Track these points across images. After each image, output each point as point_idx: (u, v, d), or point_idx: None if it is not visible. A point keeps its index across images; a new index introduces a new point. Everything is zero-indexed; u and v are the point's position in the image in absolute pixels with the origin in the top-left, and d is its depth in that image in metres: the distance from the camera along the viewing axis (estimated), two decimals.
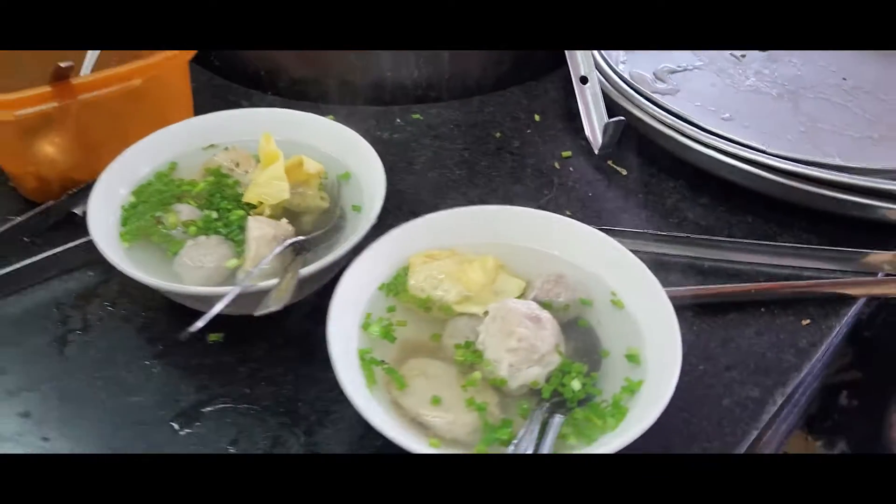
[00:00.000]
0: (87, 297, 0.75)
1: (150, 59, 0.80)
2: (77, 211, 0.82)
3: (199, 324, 0.59)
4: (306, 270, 0.65)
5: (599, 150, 0.92)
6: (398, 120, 1.00)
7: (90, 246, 0.77)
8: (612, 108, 0.96)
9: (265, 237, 0.69)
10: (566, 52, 0.94)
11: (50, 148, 0.80)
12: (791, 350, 0.72)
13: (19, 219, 0.79)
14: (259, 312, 0.60)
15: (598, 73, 0.98)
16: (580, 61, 0.93)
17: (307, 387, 0.68)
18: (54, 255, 0.76)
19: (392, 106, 1.03)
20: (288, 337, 0.72)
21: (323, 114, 1.00)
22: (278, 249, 0.68)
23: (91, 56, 0.86)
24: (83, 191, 0.82)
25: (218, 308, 0.60)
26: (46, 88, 0.75)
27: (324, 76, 1.04)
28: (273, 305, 0.60)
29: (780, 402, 0.68)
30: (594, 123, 0.92)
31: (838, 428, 1.44)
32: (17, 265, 0.74)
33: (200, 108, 0.91)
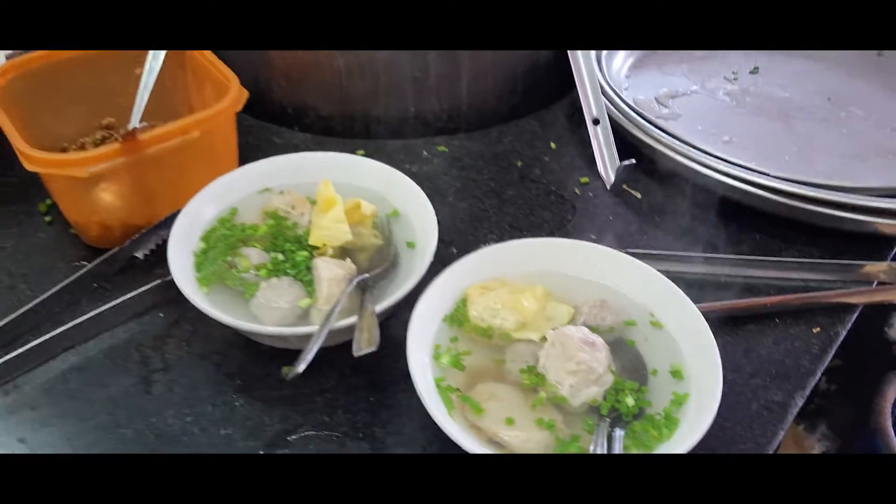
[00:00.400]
0: (163, 338, 0.81)
1: (206, 112, 0.85)
2: (138, 255, 0.87)
3: (302, 366, 0.65)
4: (381, 307, 0.72)
5: (611, 187, 1.00)
6: (424, 153, 1.07)
7: (157, 289, 0.83)
8: (622, 134, 1.04)
9: (336, 278, 0.75)
10: (580, 96, 1.01)
11: (113, 198, 0.85)
12: (806, 356, 0.81)
13: (90, 265, 0.84)
14: (358, 353, 0.66)
15: (606, 101, 1.06)
16: (592, 104, 1.01)
17: (379, 412, 0.75)
18: (129, 298, 0.81)
19: (416, 139, 1.10)
20: (354, 367, 0.78)
21: (351, 149, 1.07)
22: (350, 288, 0.74)
23: (138, 109, 0.89)
24: (143, 236, 0.88)
25: (315, 348, 0.67)
26: (116, 145, 0.80)
27: (349, 112, 1.10)
28: (367, 347, 0.66)
29: (800, 404, 0.77)
30: (606, 162, 1.00)
31: (819, 411, 1.55)
32: (99, 309, 0.79)
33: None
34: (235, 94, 0.88)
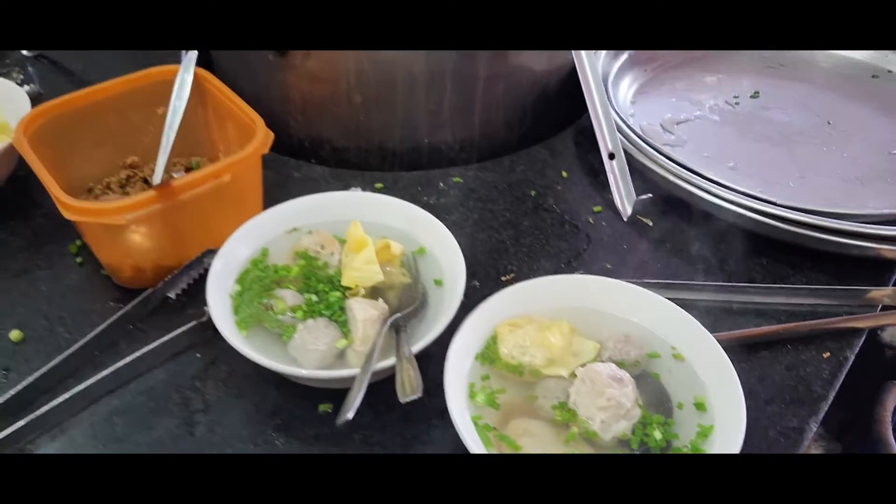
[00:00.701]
0: (202, 379, 0.83)
1: (237, 156, 0.88)
2: (171, 295, 0.90)
3: (351, 413, 0.68)
4: (416, 348, 0.75)
5: (628, 218, 1.03)
6: (440, 184, 1.10)
7: (192, 329, 0.85)
8: (631, 162, 1.07)
9: (370, 318, 0.78)
10: (595, 130, 1.04)
11: (146, 241, 0.87)
12: (818, 382, 0.85)
13: (126, 307, 0.86)
14: (405, 400, 0.69)
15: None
16: (607, 139, 1.04)
17: (415, 448, 0.78)
18: (166, 340, 0.84)
19: (431, 170, 1.13)
20: (388, 404, 0.80)
21: (368, 181, 1.10)
22: (384, 329, 0.77)
23: (164, 154, 0.91)
24: (175, 277, 0.90)
25: (362, 392, 0.69)
26: (151, 192, 0.83)
27: (365, 145, 1.13)
28: (412, 394, 0.69)
29: (815, 428, 0.81)
30: (623, 196, 1.03)
31: None
32: (140, 352, 0.81)
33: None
34: (262, 137, 0.91)
